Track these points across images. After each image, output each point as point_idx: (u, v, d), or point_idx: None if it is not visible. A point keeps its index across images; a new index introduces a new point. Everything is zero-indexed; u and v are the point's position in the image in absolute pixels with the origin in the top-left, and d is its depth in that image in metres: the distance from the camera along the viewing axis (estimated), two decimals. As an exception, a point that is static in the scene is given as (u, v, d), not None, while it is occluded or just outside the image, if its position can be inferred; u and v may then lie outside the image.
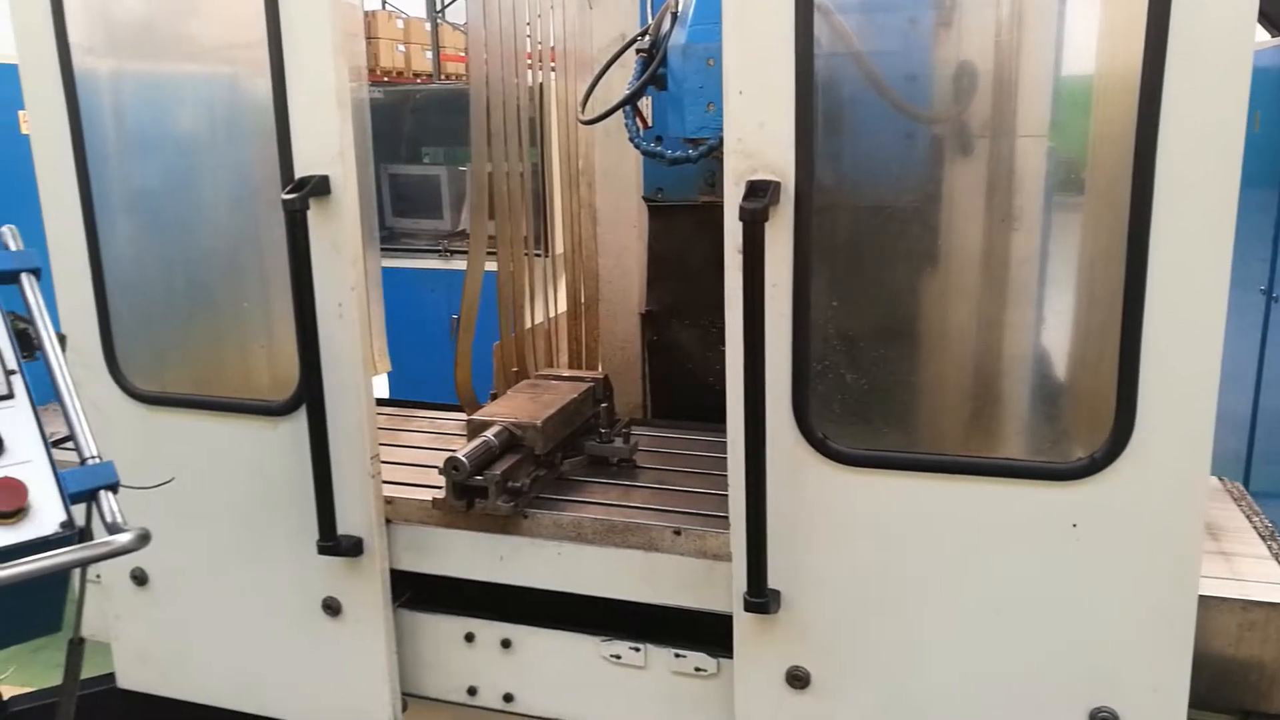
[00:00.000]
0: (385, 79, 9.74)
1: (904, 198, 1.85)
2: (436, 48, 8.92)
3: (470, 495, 2.15)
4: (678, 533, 2.11)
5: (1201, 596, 1.76)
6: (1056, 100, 1.79)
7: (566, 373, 2.87)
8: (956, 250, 1.86)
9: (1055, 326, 1.86)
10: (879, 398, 1.89)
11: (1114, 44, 1.69)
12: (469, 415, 2.38)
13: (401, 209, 6.20)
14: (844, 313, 1.86)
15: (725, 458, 2.55)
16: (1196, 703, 1.83)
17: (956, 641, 1.87)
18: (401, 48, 10.53)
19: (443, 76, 9.85)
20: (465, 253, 5.83)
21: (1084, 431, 1.80)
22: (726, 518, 2.15)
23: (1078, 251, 1.85)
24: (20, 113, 5.69)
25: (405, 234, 6.23)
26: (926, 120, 1.86)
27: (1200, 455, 1.69)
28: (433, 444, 2.71)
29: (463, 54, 11.12)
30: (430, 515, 2.23)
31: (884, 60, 1.81)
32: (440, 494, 2.18)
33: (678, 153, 2.25)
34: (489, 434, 2.25)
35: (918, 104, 1.85)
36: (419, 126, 6.42)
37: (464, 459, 2.12)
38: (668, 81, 2.21)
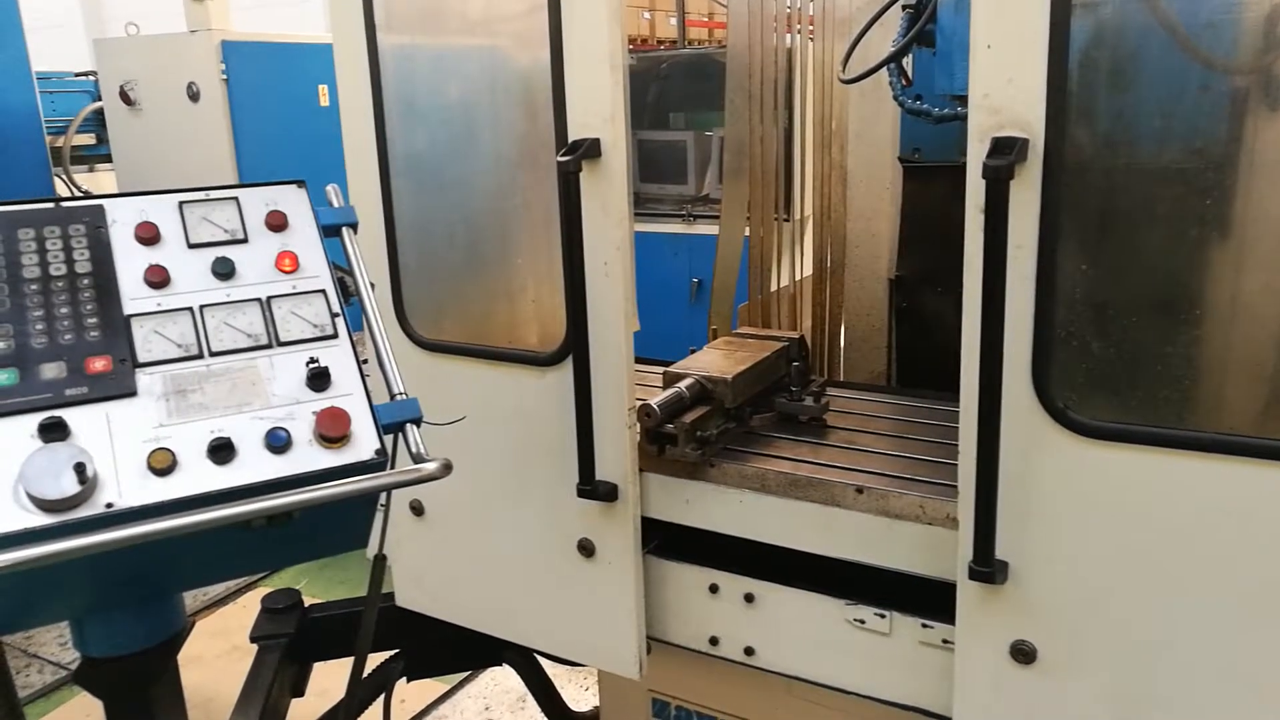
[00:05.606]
0: (630, 46, 9.96)
1: (1183, 157, 1.69)
2: (682, 13, 9.03)
3: (661, 441, 2.29)
4: (860, 490, 2.10)
5: None
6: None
7: (764, 332, 2.92)
8: (1246, 216, 1.68)
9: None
10: (1129, 369, 1.77)
11: None
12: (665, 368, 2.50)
13: (647, 174, 6.33)
14: (1096, 279, 1.75)
15: (924, 422, 2.52)
16: None
17: (1212, 637, 1.73)
18: (647, 15, 10.72)
19: (687, 42, 9.96)
20: (709, 217, 5.90)
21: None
22: (912, 479, 2.12)
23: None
24: (320, 87, 6.31)
25: (650, 199, 6.37)
26: (1226, 70, 1.70)
27: None
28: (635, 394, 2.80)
29: (706, 19, 11.17)
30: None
31: (1177, 5, 1.66)
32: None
33: (945, 110, 2.18)
34: (681, 385, 2.38)
35: (1216, 53, 1.69)
36: (664, 92, 6.53)
37: (656, 406, 2.26)
38: (936, 37, 2.15)
